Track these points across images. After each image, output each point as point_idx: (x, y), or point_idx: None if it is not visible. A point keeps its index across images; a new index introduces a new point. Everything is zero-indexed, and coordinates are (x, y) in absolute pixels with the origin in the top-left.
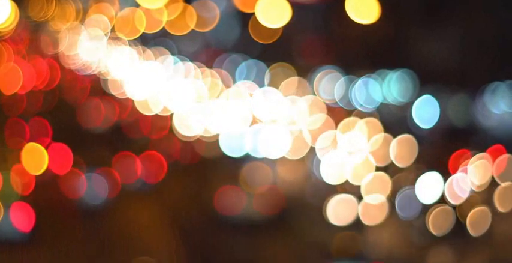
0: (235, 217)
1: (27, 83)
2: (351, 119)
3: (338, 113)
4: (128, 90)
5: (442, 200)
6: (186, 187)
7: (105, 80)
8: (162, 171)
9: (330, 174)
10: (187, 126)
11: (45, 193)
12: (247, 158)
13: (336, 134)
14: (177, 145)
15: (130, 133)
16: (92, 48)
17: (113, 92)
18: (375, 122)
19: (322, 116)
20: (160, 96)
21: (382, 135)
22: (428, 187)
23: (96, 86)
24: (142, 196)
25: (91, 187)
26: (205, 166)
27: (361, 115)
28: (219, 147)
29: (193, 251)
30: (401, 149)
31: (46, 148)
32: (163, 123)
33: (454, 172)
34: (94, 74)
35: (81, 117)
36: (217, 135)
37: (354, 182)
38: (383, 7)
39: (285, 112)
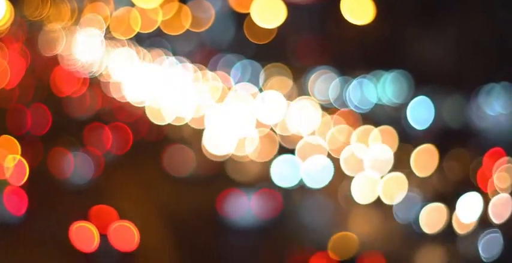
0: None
1: (18, 77)
2: (366, 127)
3: (349, 118)
4: (131, 94)
5: (486, 220)
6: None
7: (106, 83)
8: (128, 144)
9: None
10: (217, 143)
11: (38, 177)
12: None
13: (355, 145)
14: (146, 125)
15: (106, 117)
16: (88, 48)
17: (115, 96)
18: (391, 131)
19: (334, 124)
20: (168, 101)
21: (401, 145)
22: (467, 206)
23: (85, 82)
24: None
25: (77, 166)
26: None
27: (374, 123)
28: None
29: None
30: (423, 161)
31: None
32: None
33: (485, 188)
34: (94, 76)
35: (69, 108)
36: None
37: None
38: (378, 8)
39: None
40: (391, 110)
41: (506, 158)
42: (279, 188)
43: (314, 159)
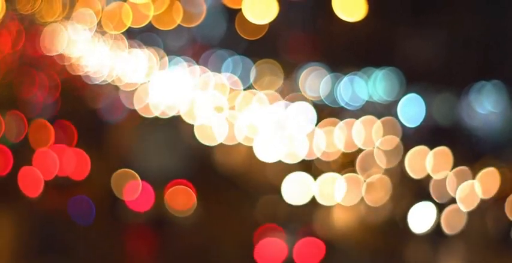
0: None
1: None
2: (420, 149)
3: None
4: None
5: None
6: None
7: (123, 90)
8: None
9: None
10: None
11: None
12: None
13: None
14: None
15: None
16: (82, 44)
17: (136, 106)
18: (446, 153)
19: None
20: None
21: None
22: None
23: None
24: None
25: None
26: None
27: (429, 143)
28: None
29: None
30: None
31: None
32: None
33: None
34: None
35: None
36: None
37: None
38: (370, 5)
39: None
40: (381, 107)
41: None
42: None
43: None
